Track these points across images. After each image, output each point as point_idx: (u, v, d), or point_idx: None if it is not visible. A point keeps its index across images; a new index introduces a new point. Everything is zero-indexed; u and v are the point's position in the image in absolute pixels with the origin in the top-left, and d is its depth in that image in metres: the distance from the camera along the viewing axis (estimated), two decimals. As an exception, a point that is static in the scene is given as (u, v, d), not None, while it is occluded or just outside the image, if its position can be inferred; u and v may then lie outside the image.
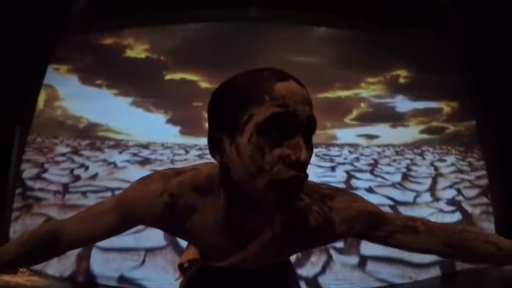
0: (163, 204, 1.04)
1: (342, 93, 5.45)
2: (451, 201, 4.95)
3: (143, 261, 4.31)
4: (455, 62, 5.30)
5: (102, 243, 4.30)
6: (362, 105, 5.45)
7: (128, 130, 5.11)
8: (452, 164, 5.27)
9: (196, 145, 5.15)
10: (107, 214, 1.08)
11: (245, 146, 0.86)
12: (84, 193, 4.71)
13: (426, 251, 1.12)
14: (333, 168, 5.22)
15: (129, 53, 5.28)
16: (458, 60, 5.31)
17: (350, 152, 5.41)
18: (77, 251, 4.24)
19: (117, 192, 3.80)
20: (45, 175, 4.81)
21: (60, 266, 4.23)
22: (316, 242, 1.12)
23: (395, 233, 1.09)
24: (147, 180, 1.08)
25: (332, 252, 4.51)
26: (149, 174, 1.11)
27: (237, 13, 5.15)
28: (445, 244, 1.10)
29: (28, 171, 4.78)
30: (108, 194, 4.67)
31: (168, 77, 5.26)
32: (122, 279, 4.23)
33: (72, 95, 5.16)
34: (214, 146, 0.94)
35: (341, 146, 5.40)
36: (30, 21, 4.48)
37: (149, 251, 4.35)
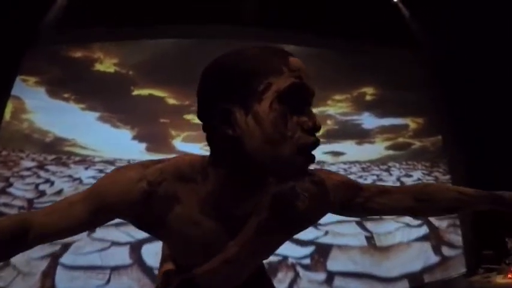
0: (141, 191, 1.00)
1: (309, 111, 5.67)
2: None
3: (108, 280, 4.43)
4: (421, 79, 5.63)
5: (67, 261, 4.48)
6: (328, 122, 5.68)
7: (94, 146, 5.23)
8: (419, 179, 5.52)
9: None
10: (78, 204, 1.01)
11: (266, 114, 0.89)
12: (49, 209, 4.84)
13: (400, 209, 1.24)
14: None
15: (98, 67, 5.43)
16: (424, 77, 5.64)
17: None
18: (41, 267, 4.44)
19: None
20: (10, 189, 4.91)
21: (25, 283, 4.36)
22: (308, 221, 1.16)
23: (372, 197, 1.19)
24: (124, 168, 1.05)
25: (299, 269, 4.73)
26: (126, 164, 1.08)
27: (207, 30, 5.35)
28: (415, 199, 1.21)
29: (-7, 185, 4.89)
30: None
31: (136, 92, 5.42)
32: None
33: (39, 108, 5.27)
34: (222, 120, 0.93)
35: (307, 163, 5.58)
36: (0, 30, 4.61)
37: (114, 269, 4.48)
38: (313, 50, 5.79)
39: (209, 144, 1.02)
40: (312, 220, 1.17)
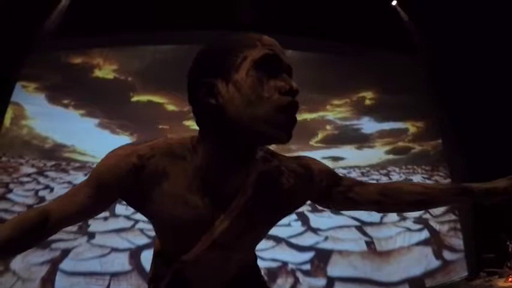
0: (130, 164, 1.08)
1: (308, 116, 5.80)
2: (418, 220, 5.30)
3: (108, 286, 4.53)
4: (420, 83, 5.74)
5: (67, 267, 4.59)
6: (328, 127, 5.81)
7: (93, 152, 5.32)
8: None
9: None
10: (82, 189, 1.12)
11: (243, 80, 1.00)
12: (48, 215, 4.97)
13: (371, 202, 1.27)
14: None
15: (97, 73, 5.58)
16: (423, 80, 5.75)
17: (315, 174, 5.68)
18: (41, 273, 4.54)
19: None
20: (9, 195, 5.03)
21: None
22: (293, 200, 1.22)
23: (352, 187, 1.26)
24: (115, 149, 1.15)
25: (299, 274, 4.82)
26: None
27: (205, 36, 5.47)
28: (382, 194, 1.26)
29: (-8, 191, 5.01)
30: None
31: (135, 98, 5.57)
32: None
33: (39, 114, 5.41)
34: (207, 93, 1.03)
35: (306, 168, 5.67)
36: (1, 36, 4.72)
37: (114, 275, 4.58)
38: (311, 55, 5.94)
39: (196, 120, 1.11)
40: (296, 201, 1.23)
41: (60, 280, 4.52)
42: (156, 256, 1.35)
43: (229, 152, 1.07)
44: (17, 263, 4.63)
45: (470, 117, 5.24)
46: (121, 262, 4.68)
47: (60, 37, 5.30)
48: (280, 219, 1.24)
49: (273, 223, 1.24)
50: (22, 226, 1.08)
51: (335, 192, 1.25)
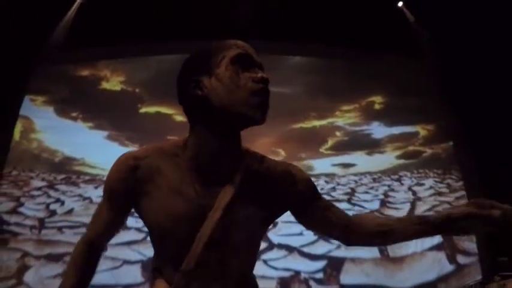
0: (128, 166, 1.30)
1: (317, 123, 6.01)
2: None
3: None
4: (429, 85, 5.88)
5: None
6: (337, 133, 6.00)
7: (103, 165, 5.53)
8: (431, 187, 5.76)
9: None
10: (103, 204, 1.38)
11: (224, 73, 1.24)
12: (60, 228, 5.23)
13: (339, 226, 1.38)
14: None
15: (105, 85, 5.84)
16: (432, 83, 5.88)
17: (326, 182, 5.87)
18: (54, 286, 4.78)
19: None
20: (21, 209, 5.31)
21: None
22: (276, 202, 1.36)
23: (331, 207, 1.40)
24: (119, 156, 1.37)
25: (312, 283, 5.02)
26: None
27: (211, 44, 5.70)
28: (349, 220, 1.39)
29: (4, 205, 5.27)
30: (84, 229, 5.14)
31: (143, 110, 5.82)
32: None
33: (48, 128, 5.68)
34: (194, 87, 1.26)
35: (317, 176, 5.83)
36: (7, 51, 4.99)
37: (127, 287, 4.85)
38: (318, 61, 6.17)
39: (186, 114, 1.33)
40: (279, 201, 1.37)
41: None
42: (154, 276, 1.42)
43: (216, 135, 1.27)
44: (30, 276, 4.94)
45: (481, 118, 5.38)
46: (133, 274, 4.93)
47: (66, 50, 5.56)
48: (267, 219, 1.38)
49: (262, 223, 1.37)
50: (79, 265, 1.36)
51: (315, 206, 1.39)
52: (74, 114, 5.75)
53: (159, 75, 5.87)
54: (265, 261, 4.96)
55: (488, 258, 5.22)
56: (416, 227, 1.36)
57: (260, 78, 1.24)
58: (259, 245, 1.43)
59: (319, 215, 1.39)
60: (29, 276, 4.93)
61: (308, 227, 1.45)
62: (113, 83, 5.89)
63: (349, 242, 1.45)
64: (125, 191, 1.32)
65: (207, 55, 1.28)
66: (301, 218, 1.43)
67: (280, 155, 5.89)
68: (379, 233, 1.38)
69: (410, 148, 5.98)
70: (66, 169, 5.64)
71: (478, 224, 1.29)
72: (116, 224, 1.40)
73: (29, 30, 5.20)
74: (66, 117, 5.74)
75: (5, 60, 5.02)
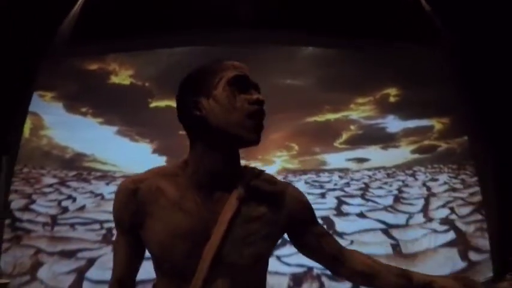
0: (128, 191, 1.36)
1: (331, 116, 6.08)
2: (444, 221, 5.57)
3: None
4: (445, 77, 5.87)
5: (93, 275, 5.06)
6: (352, 127, 6.08)
7: (114, 160, 5.75)
8: (445, 183, 5.86)
9: None
10: (118, 239, 1.43)
11: (221, 94, 1.32)
12: (72, 225, 5.41)
13: (330, 257, 1.48)
14: (323, 195, 5.84)
15: (114, 79, 5.91)
16: (448, 74, 5.88)
17: (340, 177, 6.01)
18: (68, 282, 5.06)
19: (105, 225, 4.61)
20: (33, 206, 5.48)
21: None
22: (277, 219, 1.41)
23: (325, 235, 1.51)
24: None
25: (324, 279, 5.17)
26: None
27: (222, 35, 5.70)
28: (340, 252, 1.48)
29: (16, 202, 5.43)
30: (96, 226, 5.39)
31: (153, 104, 5.90)
32: None
33: (57, 124, 5.80)
34: (193, 107, 1.34)
35: (331, 171, 6.02)
36: (14, 47, 5.03)
37: (140, 283, 5.01)
38: (331, 52, 6.19)
39: (186, 132, 1.43)
40: (279, 219, 1.43)
41: None
42: None
43: (215, 153, 1.36)
44: (44, 272, 5.12)
45: (498, 112, 5.40)
46: (147, 270, 5.10)
47: (74, 44, 5.58)
48: (271, 236, 1.41)
49: (266, 239, 1.40)
50: None
51: (310, 232, 1.49)
52: (84, 110, 5.85)
53: (169, 69, 5.90)
54: (278, 257, 5.09)
55: (500, 256, 5.31)
56: (399, 280, 1.46)
57: (255, 100, 1.33)
58: (267, 263, 1.47)
59: (313, 241, 1.47)
60: (42, 273, 5.12)
61: (301, 250, 1.52)
62: (122, 77, 5.95)
63: (337, 274, 1.53)
64: (130, 216, 1.37)
65: (205, 76, 1.37)
66: (295, 241, 1.51)
67: (293, 149, 6.00)
68: (364, 274, 1.47)
69: (426, 142, 6.04)
70: (77, 165, 5.79)
71: None
72: (137, 253, 1.43)
73: (35, 25, 5.20)
74: (76, 113, 5.84)
75: (12, 57, 5.06)
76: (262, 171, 1.49)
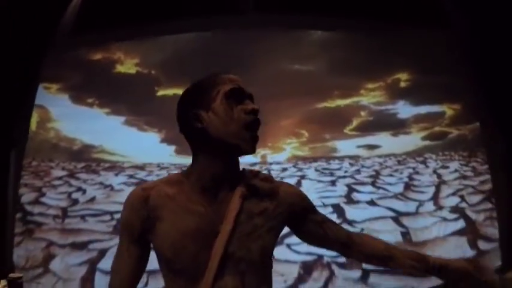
0: (140, 197, 1.49)
1: (341, 102, 6.10)
2: (455, 209, 5.65)
3: (146, 283, 4.88)
4: (458, 62, 5.83)
5: (105, 266, 5.18)
6: (362, 113, 6.11)
7: (122, 151, 5.88)
8: (456, 171, 5.92)
9: None
10: (122, 245, 1.54)
11: (219, 107, 1.46)
12: (83, 217, 5.57)
13: (338, 242, 1.66)
14: (333, 183, 5.93)
15: (119, 68, 5.95)
16: (461, 59, 5.82)
17: (351, 164, 6.11)
18: (80, 273, 5.24)
19: (115, 216, 4.83)
20: (43, 199, 5.64)
21: None
22: (277, 212, 1.56)
23: (327, 221, 1.67)
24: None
25: (334, 267, 5.32)
26: None
27: (229, 20, 5.73)
28: (349, 237, 1.66)
29: (26, 196, 5.59)
30: (107, 217, 5.56)
31: (161, 93, 5.96)
32: None
33: (64, 116, 5.90)
34: (194, 120, 1.47)
35: (341, 158, 6.10)
36: (17, 40, 5.06)
37: (152, 273, 5.18)
38: (341, 35, 6.15)
39: (189, 144, 1.56)
40: (279, 212, 1.57)
41: (99, 279, 5.16)
42: None
43: (216, 161, 1.49)
44: (56, 264, 5.31)
45: (510, 98, 5.38)
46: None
47: (77, 34, 5.60)
48: (274, 230, 1.56)
49: (270, 233, 1.55)
50: None
51: (311, 219, 1.65)
52: (90, 101, 5.92)
53: (175, 56, 5.96)
54: (288, 246, 5.20)
55: (509, 246, 5.43)
56: (414, 262, 1.64)
57: (251, 110, 1.48)
58: (271, 260, 1.60)
59: (316, 228, 1.64)
60: (55, 265, 5.31)
61: (307, 240, 1.69)
62: (128, 65, 5.98)
63: (348, 257, 1.74)
64: (141, 222, 1.49)
65: (204, 90, 1.50)
66: (298, 232, 1.67)
67: (303, 136, 6.07)
68: (378, 257, 1.68)
69: (437, 129, 6.07)
70: (85, 157, 5.92)
71: (473, 285, 1.60)
72: (140, 267, 1.55)
73: (38, 17, 5.22)
74: (82, 104, 5.92)
75: (15, 50, 5.09)
76: (259, 172, 1.63)
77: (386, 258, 1.67)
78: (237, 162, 1.57)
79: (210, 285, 1.42)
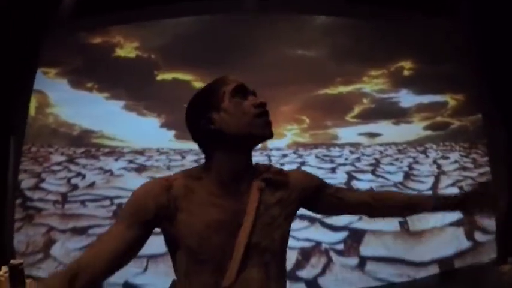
0: (162, 186, 1.52)
1: (343, 89, 6.14)
2: None
3: (146, 268, 5.26)
4: (462, 51, 5.86)
5: None
6: (364, 101, 6.15)
7: (122, 136, 5.93)
8: (456, 161, 6.03)
9: (191, 150, 5.85)
10: (118, 226, 1.50)
11: (228, 105, 1.54)
12: (82, 202, 5.67)
13: (360, 203, 1.81)
14: (333, 170, 6.04)
15: (119, 52, 5.95)
16: (465, 50, 5.85)
17: (351, 152, 6.19)
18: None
19: (115, 201, 5.02)
20: (43, 185, 5.72)
21: None
22: (292, 199, 1.67)
23: (341, 189, 1.83)
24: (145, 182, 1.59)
25: (332, 254, 5.48)
26: None
27: (230, 4, 5.72)
28: (372, 197, 1.84)
29: (26, 182, 5.67)
30: (107, 202, 5.65)
31: (160, 77, 5.97)
32: (127, 285, 5.14)
33: (63, 101, 5.92)
34: (208, 123, 1.54)
35: (342, 146, 6.17)
36: (16, 23, 5.06)
37: (151, 257, 5.27)
38: (345, 21, 6.13)
39: (202, 146, 1.63)
40: (293, 197, 1.69)
41: None
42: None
43: (233, 157, 1.57)
44: (57, 249, 5.43)
45: None
46: (157, 244, 5.42)
47: (76, 17, 5.54)
48: (289, 217, 1.67)
49: (286, 220, 1.65)
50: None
51: (326, 193, 1.78)
52: (89, 85, 5.93)
53: (175, 40, 5.95)
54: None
55: (506, 238, 5.58)
56: (436, 202, 1.84)
57: (259, 104, 1.56)
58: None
59: (333, 199, 1.78)
60: (55, 250, 5.44)
61: (330, 213, 1.90)
62: (127, 49, 5.98)
63: (373, 215, 1.88)
64: (156, 208, 1.50)
65: (210, 94, 1.58)
66: (320, 209, 1.84)
67: (304, 123, 6.13)
68: (408, 206, 1.86)
69: (438, 119, 6.15)
70: (84, 142, 5.96)
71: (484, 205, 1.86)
72: (125, 254, 1.48)
73: (37, 0, 5.23)
74: (81, 89, 5.93)
75: (14, 33, 5.08)
76: (271, 165, 1.73)
77: (411, 206, 1.86)
78: (251, 157, 1.64)
79: (235, 276, 1.47)
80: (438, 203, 1.85)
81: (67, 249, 5.41)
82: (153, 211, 1.49)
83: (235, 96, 1.55)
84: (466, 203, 1.85)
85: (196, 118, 1.57)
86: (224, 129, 1.53)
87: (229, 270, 1.47)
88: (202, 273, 1.50)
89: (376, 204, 1.82)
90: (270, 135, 1.56)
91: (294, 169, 1.88)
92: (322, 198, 1.76)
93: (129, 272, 5.21)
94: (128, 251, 1.48)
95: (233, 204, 1.54)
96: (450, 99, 6.20)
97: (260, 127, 1.54)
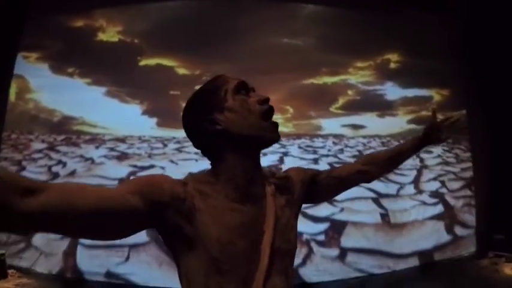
0: (180, 181, 1.41)
1: (329, 80, 6.24)
2: (434, 194, 6.01)
3: (127, 257, 5.38)
4: (449, 47, 5.99)
5: (87, 241, 5.34)
6: (349, 92, 6.25)
7: (103, 123, 5.95)
8: (439, 156, 6.22)
9: (174, 138, 5.92)
10: (122, 186, 1.27)
11: (233, 103, 1.49)
12: (64, 191, 5.73)
13: (355, 173, 1.88)
14: (315, 161, 6.17)
15: (101, 36, 5.94)
16: (453, 44, 5.98)
17: (334, 143, 6.30)
18: (62, 248, 5.45)
19: None
20: (23, 173, 5.73)
21: (48, 263, 5.37)
22: (296, 196, 1.68)
23: (331, 170, 1.88)
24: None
25: (313, 244, 5.66)
26: None
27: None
28: (362, 164, 1.92)
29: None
30: (90, 191, 5.70)
31: (143, 62, 5.98)
32: (109, 274, 5.28)
33: (43, 86, 5.91)
34: (212, 125, 1.48)
35: (325, 136, 6.28)
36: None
37: (133, 246, 5.43)
38: (334, 11, 6.20)
39: (207, 151, 1.57)
40: (297, 194, 1.72)
41: (81, 253, 5.41)
42: None
43: (244, 157, 1.52)
44: (38, 239, 5.52)
45: (499, 90, 5.64)
46: (139, 234, 5.56)
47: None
48: (297, 215, 1.69)
49: (296, 219, 1.67)
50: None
51: (321, 179, 1.82)
52: (70, 70, 5.94)
53: (159, 24, 5.97)
54: (268, 222, 5.55)
55: (485, 234, 5.86)
56: (415, 140, 2.05)
57: (264, 99, 1.54)
58: None
59: (327, 181, 1.83)
60: (36, 240, 5.53)
61: (329, 196, 1.91)
62: (110, 33, 5.98)
63: (370, 178, 1.96)
64: (172, 196, 1.33)
65: (210, 95, 1.54)
66: (319, 196, 1.86)
67: (288, 112, 6.25)
68: (395, 157, 2.00)
69: (423, 113, 6.30)
70: (65, 129, 5.99)
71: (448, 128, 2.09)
72: (121, 210, 1.20)
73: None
74: (62, 74, 5.94)
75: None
76: (276, 171, 1.74)
77: (396, 155, 2.01)
78: (260, 158, 1.60)
79: (262, 287, 1.42)
80: (415, 141, 2.05)
81: (48, 239, 5.49)
82: (168, 196, 1.33)
83: (239, 93, 1.53)
84: (432, 129, 2.07)
85: (198, 122, 1.52)
86: (231, 129, 1.48)
87: (256, 281, 1.42)
88: (224, 285, 1.38)
89: (367, 168, 1.92)
90: (277, 139, 1.53)
91: (289, 168, 1.80)
92: (320, 185, 1.81)
93: (110, 261, 5.38)
94: (116, 215, 1.19)
95: (252, 209, 1.49)
96: (435, 94, 6.38)
97: (267, 131, 1.49)
